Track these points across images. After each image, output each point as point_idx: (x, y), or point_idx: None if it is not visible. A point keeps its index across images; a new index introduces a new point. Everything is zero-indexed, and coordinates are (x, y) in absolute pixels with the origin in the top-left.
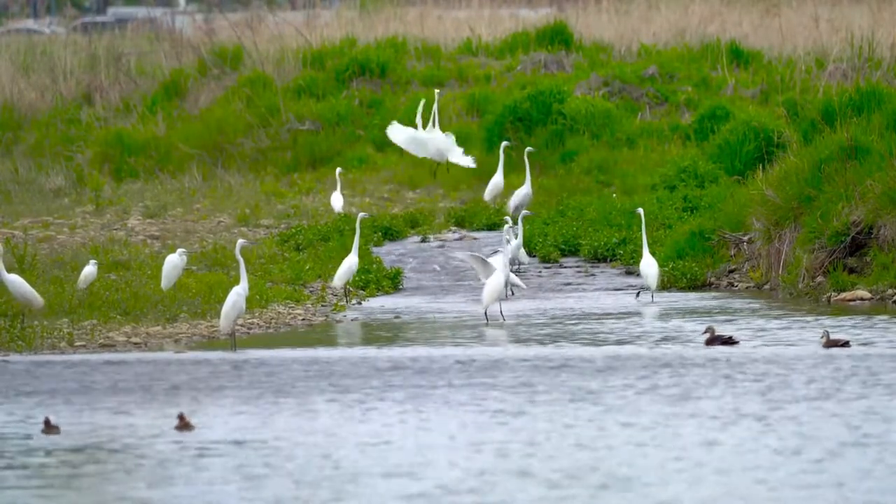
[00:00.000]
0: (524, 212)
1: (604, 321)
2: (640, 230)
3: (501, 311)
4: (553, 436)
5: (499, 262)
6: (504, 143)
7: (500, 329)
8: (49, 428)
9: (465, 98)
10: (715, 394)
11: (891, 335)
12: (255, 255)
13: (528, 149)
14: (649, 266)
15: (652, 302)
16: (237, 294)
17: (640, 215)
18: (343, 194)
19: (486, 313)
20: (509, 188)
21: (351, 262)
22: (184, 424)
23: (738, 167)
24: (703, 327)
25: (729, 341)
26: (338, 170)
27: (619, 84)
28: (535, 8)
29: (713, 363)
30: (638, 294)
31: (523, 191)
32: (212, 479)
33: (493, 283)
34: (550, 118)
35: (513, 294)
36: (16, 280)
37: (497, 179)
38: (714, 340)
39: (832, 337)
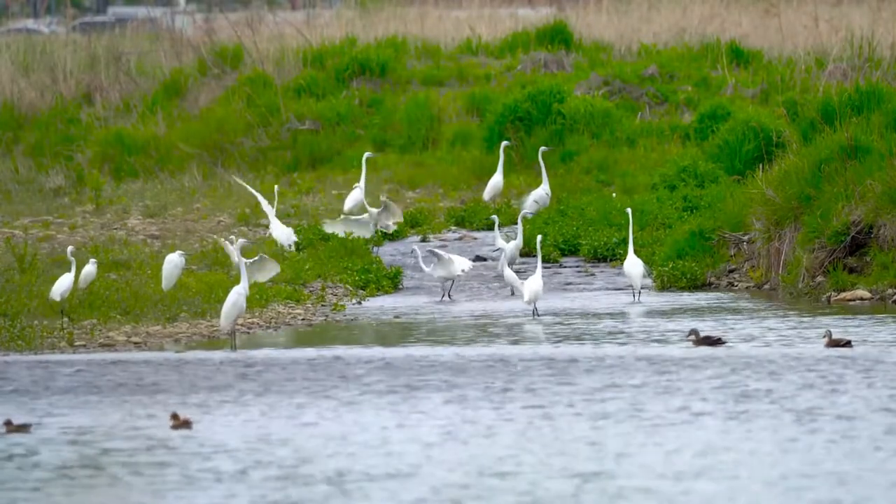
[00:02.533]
0: (524, 211)
1: (603, 321)
2: (638, 230)
3: (535, 308)
4: (556, 436)
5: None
6: (504, 143)
7: (501, 328)
8: (13, 427)
9: (464, 97)
10: (716, 393)
11: (891, 335)
12: (255, 255)
13: (542, 148)
14: (633, 266)
15: (637, 302)
16: (238, 294)
17: (628, 215)
18: (362, 188)
19: (534, 309)
20: (508, 188)
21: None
22: (181, 423)
23: (737, 167)
24: (698, 327)
25: (717, 342)
26: (366, 154)
27: (619, 84)
28: (535, 7)
29: (711, 363)
30: (637, 296)
31: (541, 191)
32: (208, 478)
33: (535, 281)
34: (550, 118)
35: (513, 294)
36: (67, 282)
37: (496, 179)
38: (701, 342)
39: (834, 337)
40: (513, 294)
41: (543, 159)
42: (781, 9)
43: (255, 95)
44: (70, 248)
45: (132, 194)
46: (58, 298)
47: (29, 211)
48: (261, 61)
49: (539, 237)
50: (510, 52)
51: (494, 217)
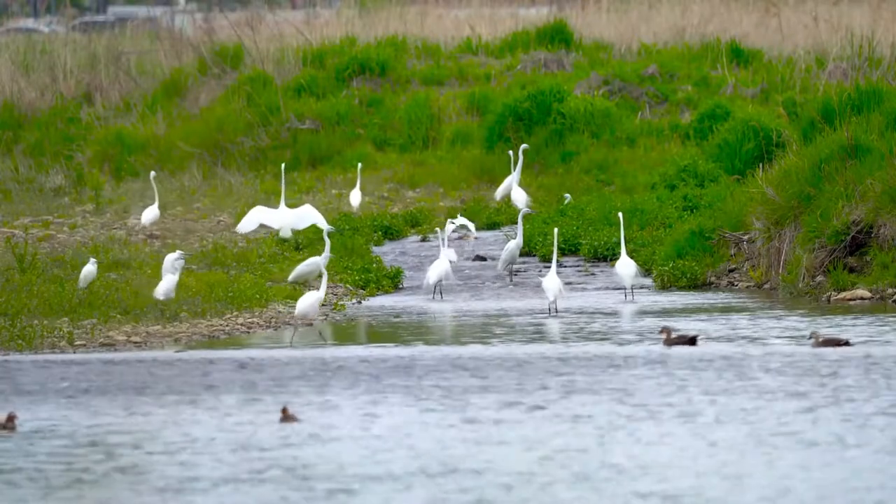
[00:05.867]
0: (525, 209)
1: (604, 320)
2: (639, 229)
3: (555, 307)
4: (556, 435)
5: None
6: (523, 146)
7: (503, 327)
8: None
9: (465, 97)
10: (718, 392)
11: (891, 334)
12: (255, 255)
13: (524, 146)
14: (624, 266)
15: (631, 301)
16: (318, 299)
17: (619, 218)
18: (361, 191)
19: (554, 307)
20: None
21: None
22: (288, 417)
23: (737, 166)
24: (694, 326)
25: (690, 342)
26: (360, 165)
27: (619, 83)
28: (536, 6)
29: (711, 362)
30: (629, 295)
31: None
32: (203, 481)
33: (554, 280)
34: (550, 117)
35: (511, 279)
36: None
37: (511, 180)
38: (676, 341)
39: (828, 337)
40: (511, 279)
41: (522, 155)
42: (781, 8)
43: (256, 95)
44: (179, 253)
45: (132, 194)
46: (161, 297)
47: (29, 210)
48: (261, 61)
49: (556, 230)
50: (510, 52)
51: (451, 221)
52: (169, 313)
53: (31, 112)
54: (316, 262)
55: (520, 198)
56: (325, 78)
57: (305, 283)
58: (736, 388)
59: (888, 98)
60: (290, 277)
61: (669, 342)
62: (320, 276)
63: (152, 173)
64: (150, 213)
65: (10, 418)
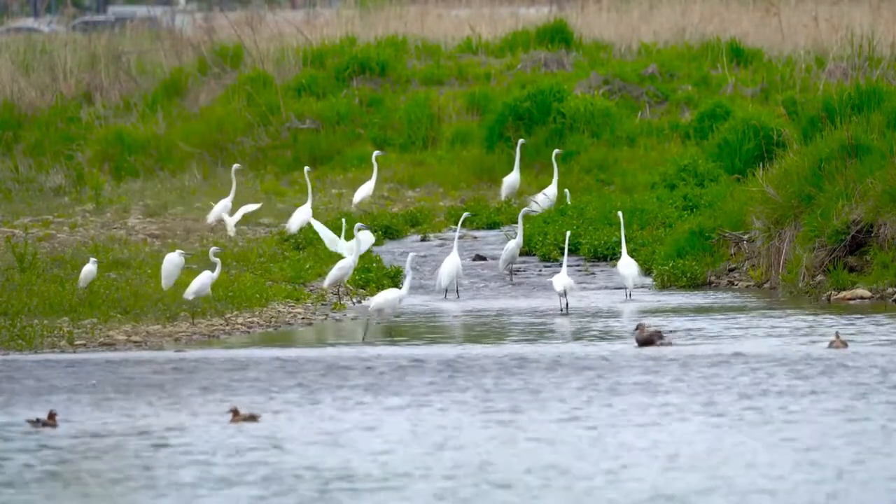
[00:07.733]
0: (524, 209)
1: (606, 319)
2: (639, 229)
3: (566, 302)
4: (556, 436)
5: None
6: (521, 141)
7: (504, 327)
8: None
9: (465, 97)
10: (718, 391)
11: (890, 333)
12: (255, 254)
13: (556, 151)
14: (626, 266)
15: (630, 300)
16: (399, 297)
17: (619, 217)
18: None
19: (565, 303)
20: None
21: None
22: (244, 417)
23: (738, 166)
24: (693, 326)
25: (656, 336)
26: (375, 153)
27: (620, 83)
28: (536, 6)
29: (716, 362)
30: (629, 295)
31: (540, 194)
32: (203, 482)
33: (564, 277)
34: (550, 117)
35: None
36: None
37: (513, 177)
38: (644, 342)
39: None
40: (511, 279)
41: (556, 162)
42: (781, 8)
43: (256, 94)
44: (213, 249)
45: (132, 193)
46: (191, 297)
47: (29, 210)
48: (261, 60)
49: (567, 233)
50: (510, 51)
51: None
52: (169, 313)
53: (31, 112)
54: (347, 263)
55: (549, 195)
56: (325, 78)
57: (338, 286)
58: (735, 388)
59: (888, 97)
60: (326, 283)
61: (644, 341)
62: (407, 285)
63: (235, 165)
64: (221, 205)
65: (52, 416)
